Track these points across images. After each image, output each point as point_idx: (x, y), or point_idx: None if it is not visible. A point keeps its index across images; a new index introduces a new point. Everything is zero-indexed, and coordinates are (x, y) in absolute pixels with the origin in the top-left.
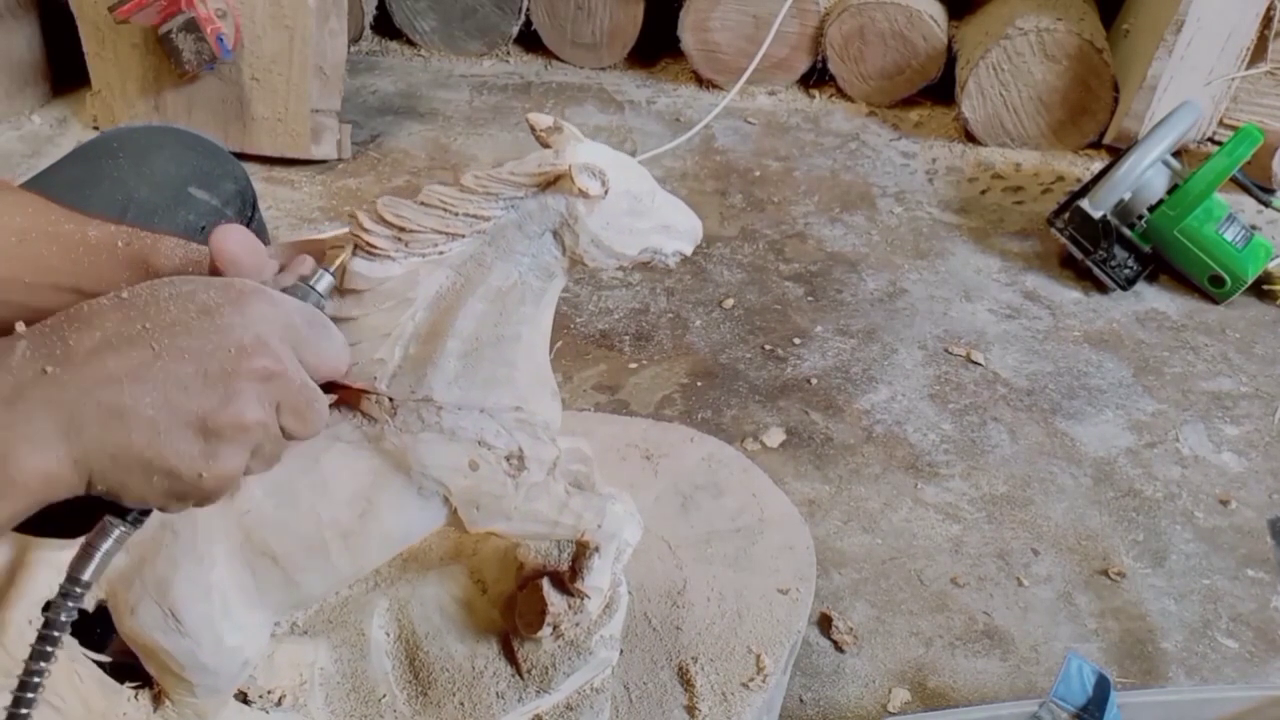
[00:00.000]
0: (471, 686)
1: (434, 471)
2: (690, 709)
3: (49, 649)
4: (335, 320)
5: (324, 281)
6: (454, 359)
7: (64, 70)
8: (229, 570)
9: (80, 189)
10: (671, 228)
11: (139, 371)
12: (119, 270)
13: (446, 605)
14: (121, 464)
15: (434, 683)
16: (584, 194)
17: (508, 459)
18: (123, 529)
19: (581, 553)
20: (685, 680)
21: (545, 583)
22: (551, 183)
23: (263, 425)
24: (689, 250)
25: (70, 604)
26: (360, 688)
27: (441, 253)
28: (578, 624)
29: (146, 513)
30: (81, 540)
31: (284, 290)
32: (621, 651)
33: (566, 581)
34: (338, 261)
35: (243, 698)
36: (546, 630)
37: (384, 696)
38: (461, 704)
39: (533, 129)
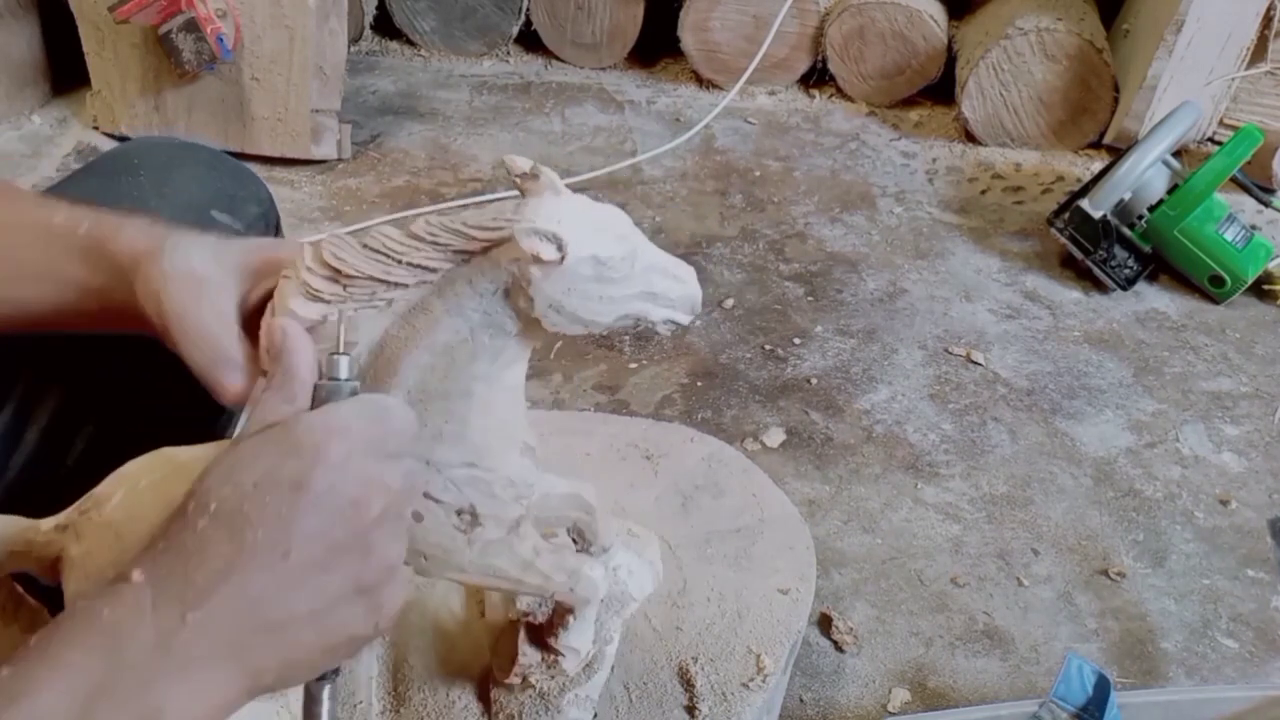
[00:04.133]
0: (440, 715)
1: None
2: (690, 709)
3: None
4: None
5: (343, 367)
6: None
7: (64, 70)
8: None
9: (99, 206)
10: (659, 295)
11: (279, 578)
12: (78, 259)
13: (443, 620)
14: (301, 663)
15: (408, 700)
16: (537, 259)
17: (458, 513)
18: (330, 684)
19: (559, 610)
20: (685, 680)
21: (521, 632)
22: (502, 243)
23: (402, 543)
24: (684, 320)
25: None
26: (345, 686)
27: (386, 301)
28: (552, 678)
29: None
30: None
31: (316, 395)
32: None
33: (543, 635)
34: (341, 335)
35: None
36: (515, 679)
37: (360, 704)
38: None
39: (509, 173)
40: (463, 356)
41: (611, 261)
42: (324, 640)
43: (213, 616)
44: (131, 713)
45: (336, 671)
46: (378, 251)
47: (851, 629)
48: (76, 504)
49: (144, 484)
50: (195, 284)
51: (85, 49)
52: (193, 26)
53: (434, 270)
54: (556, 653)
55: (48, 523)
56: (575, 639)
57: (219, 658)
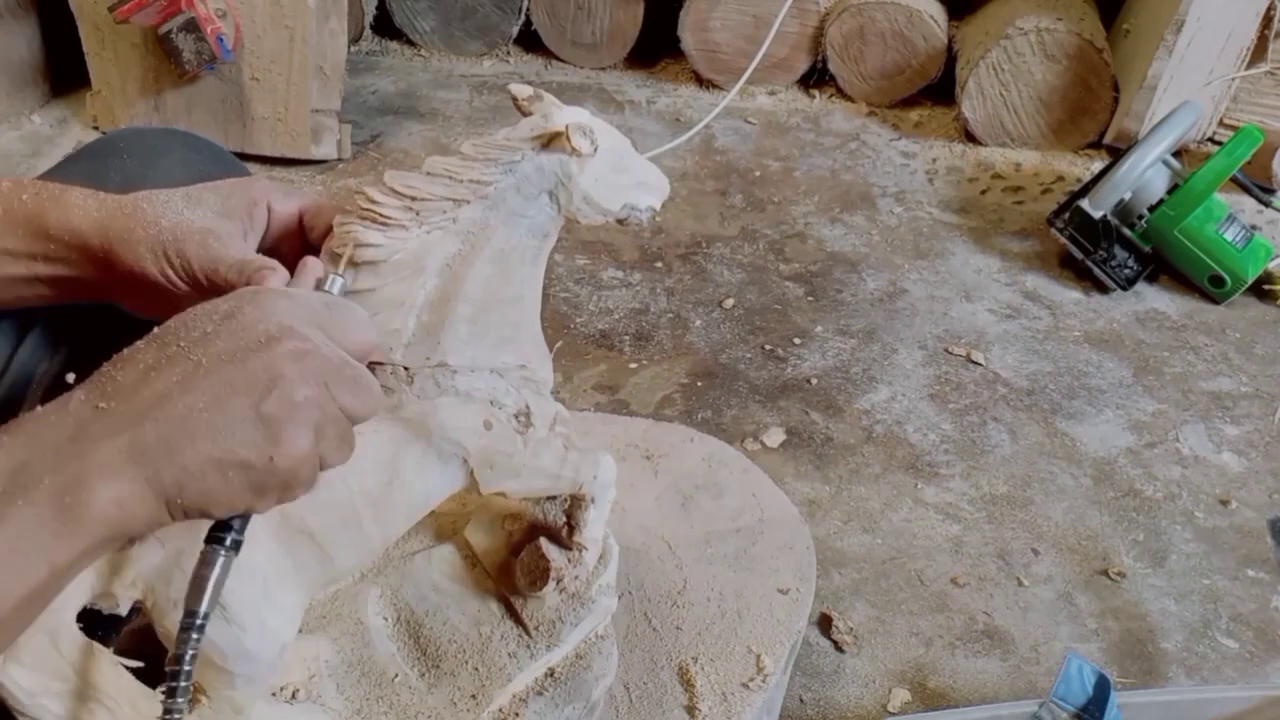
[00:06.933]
0: (482, 652)
1: (453, 433)
2: (690, 709)
3: (182, 683)
4: (352, 293)
5: (337, 285)
6: (464, 323)
7: (64, 70)
8: (267, 552)
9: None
10: (645, 183)
11: (185, 383)
12: (17, 231)
13: (440, 582)
14: (194, 471)
15: (444, 655)
16: (577, 152)
17: (516, 416)
18: (225, 554)
19: (576, 507)
20: (685, 680)
21: (543, 541)
22: (547, 143)
23: (314, 402)
24: (659, 205)
25: (194, 638)
26: (370, 673)
27: (453, 220)
28: (578, 576)
29: (241, 534)
30: (190, 575)
31: None
32: (617, 607)
33: (563, 537)
34: (343, 261)
35: None
36: (551, 585)
37: (396, 677)
38: (476, 669)
39: (514, 99)
40: (514, 262)
41: (623, 152)
42: (217, 451)
43: (122, 407)
44: (46, 490)
45: (236, 547)
46: (439, 175)
47: (851, 629)
48: None
49: None
50: (207, 233)
51: (85, 49)
52: (193, 26)
53: (489, 184)
54: (581, 547)
55: None
56: (594, 529)
57: (121, 452)
